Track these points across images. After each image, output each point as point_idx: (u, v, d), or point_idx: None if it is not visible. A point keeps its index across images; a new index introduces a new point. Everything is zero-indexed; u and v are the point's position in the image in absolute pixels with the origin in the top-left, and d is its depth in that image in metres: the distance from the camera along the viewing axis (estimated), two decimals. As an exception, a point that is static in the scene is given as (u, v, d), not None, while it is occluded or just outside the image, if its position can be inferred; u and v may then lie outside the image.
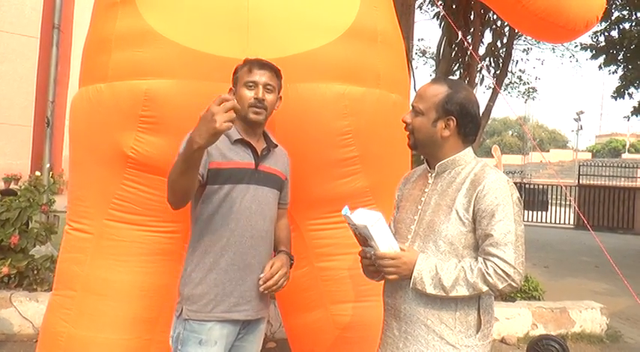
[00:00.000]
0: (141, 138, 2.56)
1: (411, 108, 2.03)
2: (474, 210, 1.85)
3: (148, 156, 2.57)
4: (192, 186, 2.02)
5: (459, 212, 1.86)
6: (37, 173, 6.67)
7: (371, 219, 1.84)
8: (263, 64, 2.20)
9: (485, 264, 1.79)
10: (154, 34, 2.53)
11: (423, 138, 1.96)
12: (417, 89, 2.05)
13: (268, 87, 2.19)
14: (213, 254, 2.13)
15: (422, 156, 2.11)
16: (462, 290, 1.80)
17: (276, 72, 2.23)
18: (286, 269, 2.23)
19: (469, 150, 1.99)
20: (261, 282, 2.16)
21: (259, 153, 2.21)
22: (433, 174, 2.00)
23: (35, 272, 4.97)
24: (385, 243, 1.85)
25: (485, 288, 1.79)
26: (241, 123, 2.19)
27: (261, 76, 2.18)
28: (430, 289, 1.82)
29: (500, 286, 1.79)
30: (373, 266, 1.94)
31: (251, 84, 2.17)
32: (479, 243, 1.85)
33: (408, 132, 2.01)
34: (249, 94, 2.16)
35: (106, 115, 2.64)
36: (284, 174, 2.34)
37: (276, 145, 2.31)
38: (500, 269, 1.77)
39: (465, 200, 1.87)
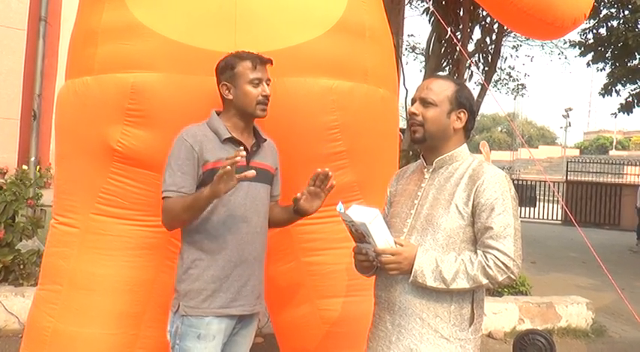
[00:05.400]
0: (128, 131, 2.54)
1: (413, 101, 2.03)
2: (473, 204, 1.88)
3: (135, 150, 2.55)
4: (192, 221, 2.13)
5: (459, 206, 1.89)
6: (24, 167, 6.61)
7: (369, 216, 1.85)
8: (265, 60, 2.20)
9: (485, 257, 1.82)
10: (141, 26, 2.51)
11: (436, 129, 1.97)
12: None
13: (268, 81, 2.21)
14: (210, 251, 2.15)
15: (411, 152, 2.12)
16: (462, 283, 1.82)
17: (270, 64, 2.24)
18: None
19: (465, 147, 2.03)
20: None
21: (249, 149, 2.21)
22: (430, 170, 2.02)
23: (21, 266, 4.93)
24: (382, 239, 1.86)
25: (485, 281, 1.82)
26: (232, 120, 2.20)
27: (264, 73, 2.19)
28: (431, 282, 1.83)
29: (500, 278, 1.81)
30: (368, 261, 1.96)
31: (257, 81, 2.16)
32: (477, 237, 1.88)
33: (415, 125, 1.99)
34: (255, 91, 2.16)
35: (93, 108, 2.62)
36: (273, 167, 2.35)
37: (265, 139, 2.32)
38: (500, 261, 1.80)
39: (465, 194, 1.90)
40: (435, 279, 1.83)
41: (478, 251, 1.86)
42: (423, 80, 2.12)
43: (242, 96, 2.16)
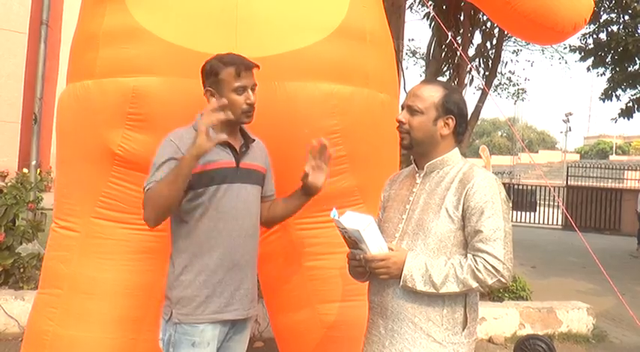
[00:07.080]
0: (128, 135, 2.55)
1: (402, 108, 2.03)
2: (463, 208, 1.87)
3: (136, 154, 2.55)
4: (176, 202, 2.05)
5: (449, 210, 1.89)
6: (25, 170, 6.61)
7: (362, 223, 1.85)
8: (249, 66, 2.13)
9: (475, 260, 1.82)
10: (142, 30, 2.51)
11: (422, 136, 1.97)
12: (407, 89, 2.07)
13: (254, 87, 2.16)
14: (202, 256, 2.11)
15: (411, 157, 2.11)
16: (452, 287, 1.82)
17: (255, 68, 2.18)
18: None
19: (457, 151, 2.03)
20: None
21: (238, 150, 2.18)
22: (422, 174, 2.02)
23: (21, 270, 4.94)
24: (375, 245, 1.86)
25: (475, 284, 1.81)
26: (218, 124, 2.13)
27: (249, 79, 2.13)
28: (420, 286, 1.83)
29: (490, 282, 1.81)
30: (362, 267, 1.95)
31: (241, 89, 2.10)
32: (468, 240, 1.88)
33: (402, 132, 2.00)
34: (240, 99, 2.10)
35: (94, 112, 2.62)
36: (264, 167, 2.31)
37: (254, 140, 2.27)
38: (490, 264, 1.80)
39: (455, 198, 1.89)
40: (425, 283, 1.83)
41: (468, 254, 1.85)
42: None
43: (229, 105, 2.09)
